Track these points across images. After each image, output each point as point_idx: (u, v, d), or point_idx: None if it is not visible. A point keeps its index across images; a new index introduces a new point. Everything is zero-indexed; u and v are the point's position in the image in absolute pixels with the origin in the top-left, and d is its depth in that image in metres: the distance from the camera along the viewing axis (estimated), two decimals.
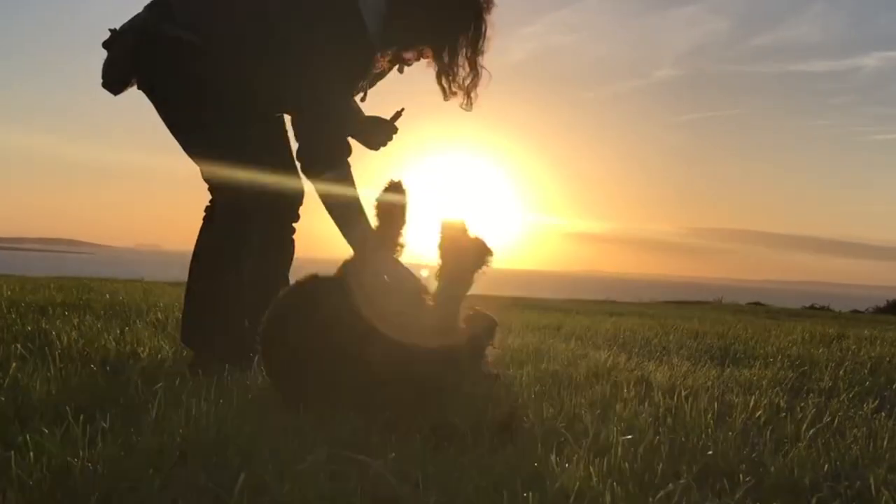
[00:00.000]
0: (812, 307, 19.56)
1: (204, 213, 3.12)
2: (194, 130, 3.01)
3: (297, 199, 3.18)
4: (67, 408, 1.98)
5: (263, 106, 3.13)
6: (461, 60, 2.95)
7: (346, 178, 2.89)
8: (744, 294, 26.71)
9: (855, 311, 19.55)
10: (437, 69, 3.00)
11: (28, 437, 1.70)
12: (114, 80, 2.96)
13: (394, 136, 3.27)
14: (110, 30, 2.95)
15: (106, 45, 2.94)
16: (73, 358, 2.93)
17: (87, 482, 1.49)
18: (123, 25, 2.94)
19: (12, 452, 1.60)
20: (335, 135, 2.91)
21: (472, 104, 2.99)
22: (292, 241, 3.26)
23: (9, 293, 5.81)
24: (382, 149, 3.24)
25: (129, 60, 2.91)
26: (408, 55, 3.09)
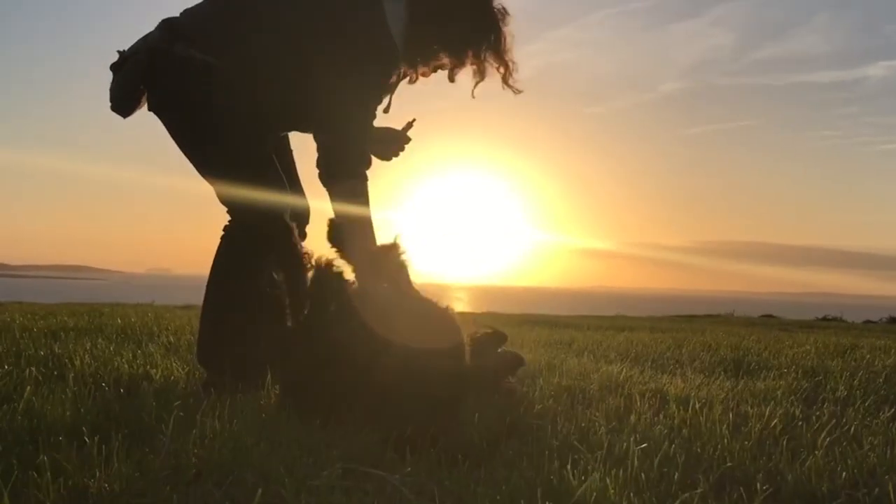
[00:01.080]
0: (825, 318, 19.43)
1: (222, 233, 3.11)
2: (208, 151, 3.00)
3: (305, 218, 3.19)
4: (83, 428, 1.99)
5: (279, 125, 3.15)
6: (485, 62, 3.00)
7: (363, 189, 2.90)
8: (755, 307, 26.56)
9: (868, 322, 19.42)
10: (452, 68, 3.04)
11: (45, 457, 1.70)
12: (124, 103, 2.94)
13: (406, 147, 3.29)
14: (119, 52, 2.94)
15: (115, 67, 2.92)
16: (87, 380, 2.94)
17: (103, 501, 1.50)
18: (132, 47, 2.93)
19: (31, 473, 1.60)
20: (358, 147, 2.93)
21: (515, 89, 3.09)
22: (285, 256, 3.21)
23: (21, 319, 5.83)
24: (395, 160, 3.26)
25: (139, 81, 2.90)
26: (424, 69, 3.11)
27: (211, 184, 3.03)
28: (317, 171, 2.92)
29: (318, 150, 2.92)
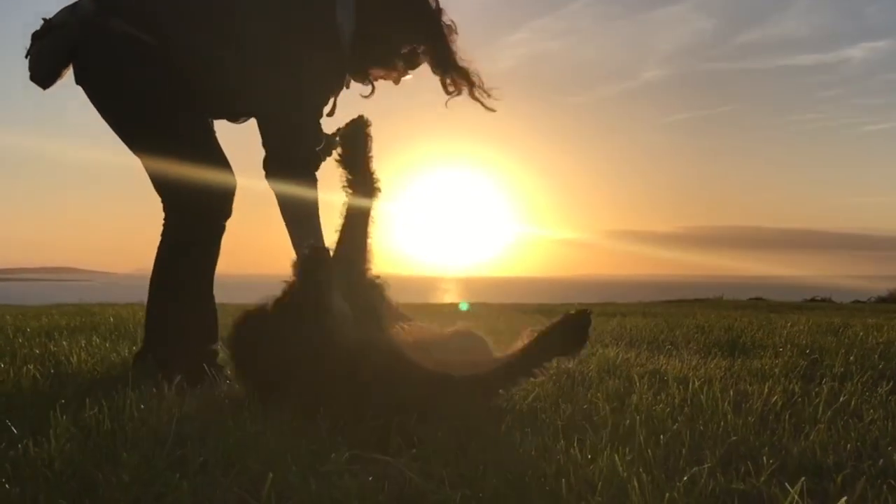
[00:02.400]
0: (813, 300, 19.53)
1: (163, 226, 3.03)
2: (140, 129, 2.94)
3: (231, 199, 3.07)
4: (92, 422, 1.99)
5: (214, 109, 3.10)
6: (443, 75, 2.96)
7: (313, 188, 2.89)
8: (744, 290, 26.65)
9: (857, 302, 19.52)
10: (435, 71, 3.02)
11: (52, 447, 1.70)
12: (45, 74, 2.86)
13: (333, 152, 3.26)
14: (44, 19, 2.84)
15: (37, 35, 2.84)
16: (85, 377, 2.92)
17: (113, 491, 1.49)
18: (59, 16, 2.83)
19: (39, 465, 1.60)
20: (309, 147, 2.90)
21: (488, 107, 3.02)
22: (219, 245, 3.11)
23: (12, 320, 5.79)
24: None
25: (66, 53, 2.82)
26: (376, 72, 3.08)
27: (144, 165, 2.97)
28: (263, 173, 2.90)
29: (265, 147, 2.89)
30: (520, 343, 2.45)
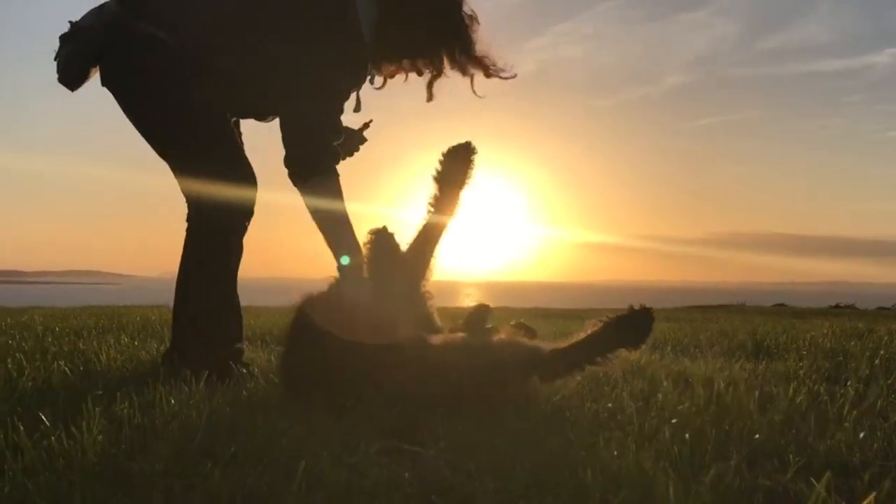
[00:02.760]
0: (837, 306, 19.35)
1: (186, 226, 3.07)
2: (164, 131, 2.97)
3: (252, 199, 3.09)
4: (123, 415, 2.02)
5: (238, 109, 3.13)
6: (464, 64, 2.96)
7: (335, 184, 2.87)
8: (767, 297, 26.47)
9: (882, 308, 19.34)
10: (432, 76, 3.02)
11: (85, 438, 1.73)
12: (73, 76, 2.89)
13: (361, 147, 3.26)
14: (70, 22, 2.87)
15: (64, 37, 2.87)
16: (114, 374, 2.96)
17: (146, 481, 1.51)
18: (85, 18, 2.87)
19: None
20: (325, 140, 2.88)
21: (508, 77, 3.03)
22: (242, 245, 3.13)
23: (42, 320, 5.87)
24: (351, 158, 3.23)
25: (93, 56, 2.86)
26: (392, 68, 3.09)
27: (170, 167, 3.00)
28: (286, 171, 2.88)
29: (285, 144, 2.87)
30: (583, 333, 2.55)
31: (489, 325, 2.96)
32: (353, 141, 3.21)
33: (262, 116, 3.17)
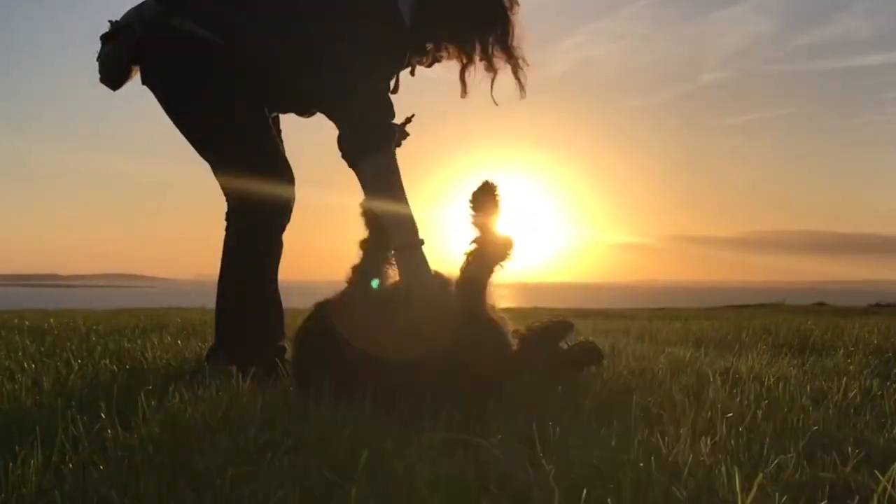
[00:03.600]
0: (878, 304, 19.09)
1: (226, 222, 3.07)
2: (205, 129, 2.97)
3: (291, 197, 3.08)
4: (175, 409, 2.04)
5: (280, 104, 3.13)
6: (493, 57, 2.92)
7: (394, 162, 2.81)
8: (806, 296, 26.15)
9: None
10: (462, 65, 2.98)
11: (143, 431, 1.75)
12: (114, 75, 2.90)
13: (402, 142, 3.23)
14: (110, 21, 2.89)
15: (105, 37, 2.88)
16: (160, 371, 2.99)
17: (209, 473, 1.53)
18: (125, 17, 2.88)
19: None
20: (384, 117, 2.83)
21: (523, 89, 2.95)
22: (282, 242, 3.12)
23: (83, 321, 5.94)
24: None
25: (132, 54, 2.86)
26: (426, 59, 3.06)
27: (211, 165, 3.00)
28: (339, 154, 2.83)
29: (339, 126, 2.82)
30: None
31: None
32: (397, 134, 3.20)
33: (303, 110, 3.17)
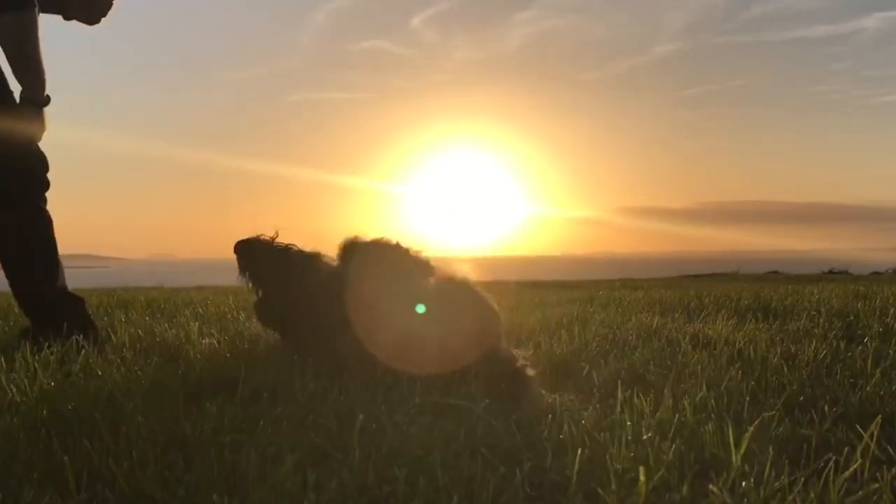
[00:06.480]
0: (831, 272, 19.45)
1: None
2: None
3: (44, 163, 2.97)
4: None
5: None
6: None
7: (31, 24, 2.72)
8: (759, 266, 26.51)
9: (875, 273, 19.46)
10: None
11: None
12: None
13: (108, 12, 3.13)
14: None
15: None
16: (136, 349, 2.95)
17: (201, 442, 1.52)
18: None
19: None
20: None
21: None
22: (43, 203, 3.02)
23: None
24: None
25: None
26: None
27: None
28: None
29: None
30: None
31: None
32: (100, 3, 3.10)
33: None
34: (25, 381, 2.05)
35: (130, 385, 2.06)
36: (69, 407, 1.81)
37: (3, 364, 2.36)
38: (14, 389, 1.99)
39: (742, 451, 1.41)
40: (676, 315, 4.32)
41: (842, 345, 2.89)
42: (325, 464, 1.42)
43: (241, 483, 1.32)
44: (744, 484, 1.31)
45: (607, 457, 1.42)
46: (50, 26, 2.92)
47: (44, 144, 2.93)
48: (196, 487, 1.30)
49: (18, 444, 1.55)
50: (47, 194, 3.02)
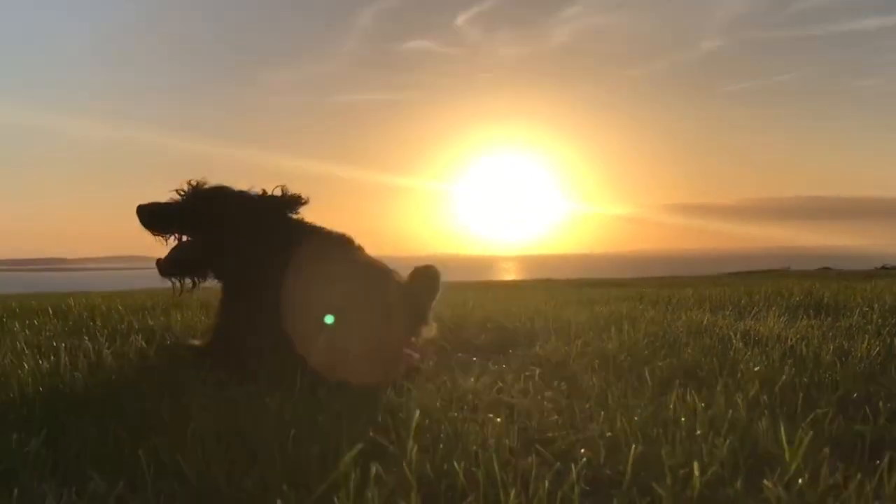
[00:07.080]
0: (884, 268, 19.10)
1: None
2: None
3: None
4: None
5: None
6: None
7: None
8: (810, 261, 26.15)
9: None
10: None
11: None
12: None
13: None
14: None
15: None
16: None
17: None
18: None
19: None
20: None
21: None
22: None
23: (102, 301, 5.96)
24: None
25: None
26: None
27: None
28: None
29: None
30: None
31: None
32: None
33: None
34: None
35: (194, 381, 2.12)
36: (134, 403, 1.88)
37: (68, 363, 2.44)
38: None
39: (801, 449, 1.41)
40: (727, 312, 4.29)
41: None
42: (383, 458, 1.46)
43: (303, 476, 1.36)
44: (800, 480, 1.31)
45: (662, 453, 1.44)
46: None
47: None
48: (261, 481, 1.34)
49: (88, 439, 1.61)
50: None
